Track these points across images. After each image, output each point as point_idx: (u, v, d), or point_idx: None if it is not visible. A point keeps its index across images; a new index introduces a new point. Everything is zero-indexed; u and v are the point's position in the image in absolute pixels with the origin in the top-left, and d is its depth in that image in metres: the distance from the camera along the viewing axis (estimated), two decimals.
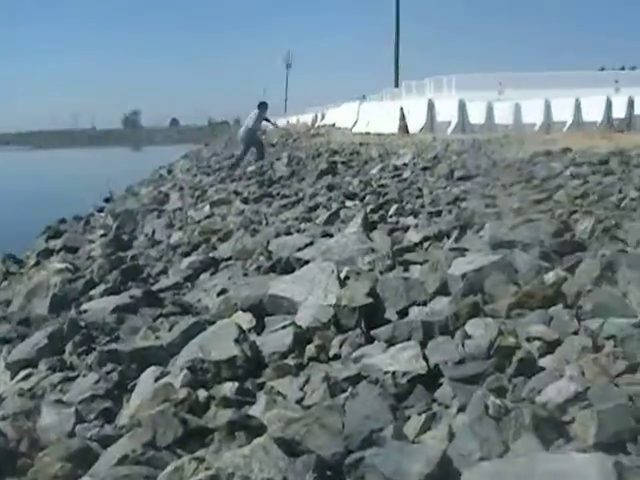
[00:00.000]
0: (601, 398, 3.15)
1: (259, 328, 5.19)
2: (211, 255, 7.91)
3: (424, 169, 13.37)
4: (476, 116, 29.71)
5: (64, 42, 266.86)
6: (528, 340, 3.98)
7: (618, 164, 10.17)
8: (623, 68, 54.63)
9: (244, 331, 4.82)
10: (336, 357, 4.52)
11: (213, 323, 5.12)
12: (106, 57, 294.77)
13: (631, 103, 28.11)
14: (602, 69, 55.41)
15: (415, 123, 30.04)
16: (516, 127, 26.54)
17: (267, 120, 23.24)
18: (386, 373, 3.88)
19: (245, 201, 12.22)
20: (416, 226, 7.80)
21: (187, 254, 8.35)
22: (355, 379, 3.98)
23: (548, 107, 28.37)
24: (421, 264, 5.98)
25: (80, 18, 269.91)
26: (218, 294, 6.21)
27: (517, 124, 27.75)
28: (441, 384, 3.79)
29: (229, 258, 7.68)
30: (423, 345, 4.19)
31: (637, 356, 3.53)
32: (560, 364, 3.66)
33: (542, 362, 3.76)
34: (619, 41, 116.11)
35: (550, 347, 3.88)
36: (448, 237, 6.96)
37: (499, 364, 3.78)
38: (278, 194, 12.60)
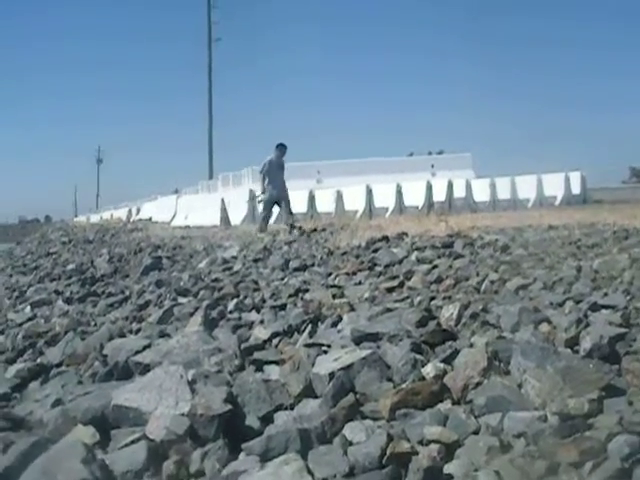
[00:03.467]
0: None
1: (104, 444, 4.67)
2: (39, 361, 7.29)
3: (255, 261, 13.09)
4: (298, 205, 29.83)
5: None
6: (422, 444, 3.67)
7: (463, 247, 10.17)
8: (430, 153, 56.55)
9: (91, 449, 4.32)
10: (199, 473, 4.10)
11: (55, 441, 4.57)
12: None
13: (450, 186, 28.94)
14: (411, 154, 57.31)
15: (236, 214, 29.88)
16: (339, 214, 26.69)
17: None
18: None
19: (68, 301, 11.66)
20: (261, 322, 7.46)
21: (12, 361, 7.69)
22: None
23: (370, 193, 28.75)
24: (277, 363, 5.65)
25: None
26: (53, 405, 5.62)
27: (339, 211, 27.97)
28: None
29: (60, 364, 7.08)
30: (303, 457, 3.83)
31: (556, 454, 3.26)
32: (469, 469, 3.35)
33: (448, 469, 3.44)
34: (425, 126, 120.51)
35: (450, 450, 3.57)
36: (299, 332, 6.64)
37: (395, 474, 3.45)
38: (103, 292, 12.07)
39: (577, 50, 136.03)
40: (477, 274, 7.98)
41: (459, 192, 30.72)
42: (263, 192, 20.83)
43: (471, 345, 5.13)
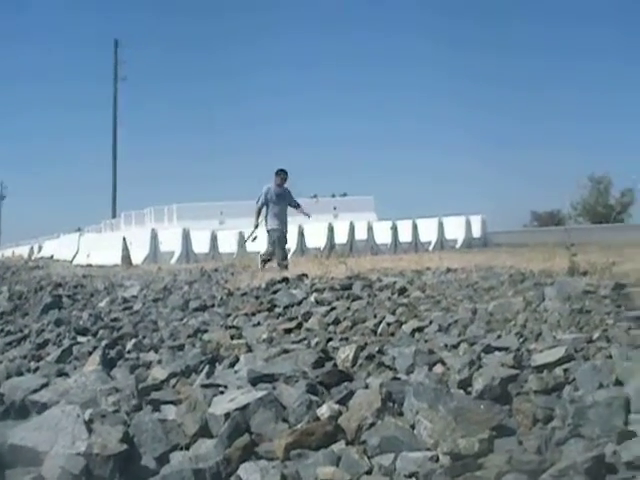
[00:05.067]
0: None
1: None
2: None
3: (155, 300, 13.00)
4: (200, 245, 29.76)
5: None
6: None
7: (361, 288, 10.24)
8: (334, 195, 56.86)
9: None
10: None
11: None
12: None
13: (352, 228, 29.17)
14: (315, 196, 57.49)
15: (138, 253, 29.64)
16: (241, 255, 26.63)
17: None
18: None
19: None
20: (159, 362, 7.42)
21: None
22: None
23: None
24: (174, 403, 5.61)
25: None
26: None
27: (242, 252, 27.90)
28: None
29: None
30: None
31: None
32: None
33: None
34: (329, 169, 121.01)
35: None
36: (197, 372, 6.62)
37: None
38: (2, 331, 11.79)
39: (486, 85, 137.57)
40: (374, 316, 8.03)
41: (361, 234, 30.98)
42: (256, 227, 18.46)
43: (366, 386, 5.18)
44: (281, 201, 18.18)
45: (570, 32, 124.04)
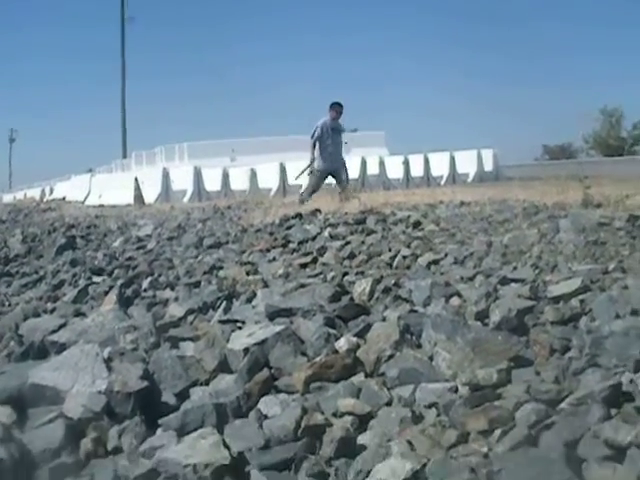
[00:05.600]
0: (442, 474, 2.92)
1: (22, 423, 4.64)
2: None
3: (170, 239, 13.02)
4: (212, 183, 29.66)
5: None
6: (336, 416, 3.72)
7: (375, 223, 10.23)
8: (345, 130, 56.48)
9: (8, 429, 4.30)
10: (117, 450, 4.12)
11: None
12: None
13: (364, 163, 29.08)
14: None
15: (150, 193, 29.54)
16: (253, 192, 26.58)
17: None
18: (186, 467, 3.51)
19: None
20: (176, 299, 7.45)
21: None
22: (150, 476, 3.57)
23: (283, 171, 28.66)
24: (192, 340, 5.65)
25: None
26: None
27: (254, 189, 27.87)
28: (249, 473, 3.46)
29: None
30: (219, 431, 3.86)
31: (466, 423, 3.34)
32: (382, 440, 3.41)
33: (361, 439, 3.50)
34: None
35: (363, 421, 3.64)
36: (214, 309, 6.66)
37: (310, 445, 3.53)
38: (17, 273, 11.84)
39: (491, 25, 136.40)
40: (389, 250, 8.04)
41: (373, 169, 30.78)
42: (312, 161, 17.03)
43: (383, 319, 5.21)
44: (337, 136, 17.23)
45: None
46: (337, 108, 17.18)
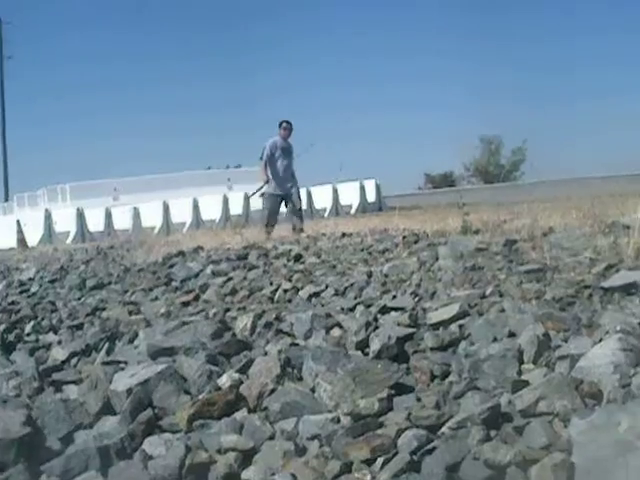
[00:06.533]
0: None
1: None
2: None
3: (52, 281, 12.80)
4: (95, 223, 29.43)
5: None
6: (220, 452, 3.72)
7: (257, 258, 10.27)
8: (228, 167, 56.79)
9: None
10: None
11: None
12: None
13: (247, 198, 29.19)
14: (209, 168, 57.46)
15: (33, 235, 29.15)
16: (136, 231, 26.41)
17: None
18: None
19: None
20: (59, 342, 7.34)
21: None
22: None
23: (167, 209, 28.59)
24: (75, 383, 5.56)
25: None
26: None
27: (137, 228, 27.71)
28: None
29: None
30: (103, 474, 3.82)
31: (349, 453, 3.37)
32: (266, 474, 3.43)
33: (245, 475, 3.51)
34: (224, 142, 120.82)
35: (247, 456, 3.64)
36: (97, 350, 6.58)
37: None
38: None
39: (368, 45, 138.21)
40: (271, 284, 8.08)
41: (256, 205, 30.94)
42: (266, 182, 16.35)
43: (265, 353, 5.22)
44: (287, 156, 16.57)
45: None
46: (287, 126, 16.55)
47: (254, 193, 17.70)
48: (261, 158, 16.37)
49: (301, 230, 15.40)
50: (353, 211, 33.85)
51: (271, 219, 16.46)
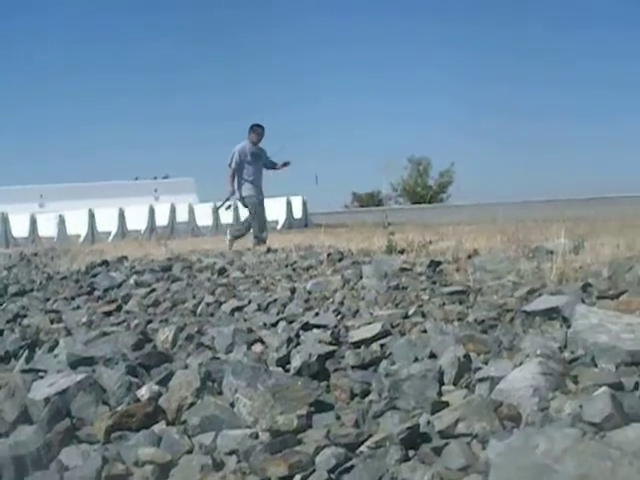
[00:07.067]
0: None
1: None
2: None
3: None
4: (19, 229, 29.03)
5: None
6: (137, 465, 3.69)
7: (181, 270, 10.25)
8: (155, 177, 56.54)
9: None
10: None
11: None
12: None
13: (173, 210, 29.04)
14: (136, 179, 57.17)
15: None
16: (61, 239, 26.14)
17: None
18: None
19: None
20: None
21: None
22: None
23: (92, 217, 28.33)
24: None
25: None
26: None
27: (62, 236, 27.40)
28: None
29: None
30: None
31: (266, 469, 3.37)
32: None
33: None
34: (151, 153, 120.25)
35: (164, 470, 3.61)
36: (16, 358, 6.49)
37: None
38: None
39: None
40: (194, 297, 8.10)
41: (182, 216, 30.84)
42: (232, 193, 15.80)
43: (186, 366, 5.19)
44: (257, 162, 15.76)
45: None
46: (258, 130, 15.80)
47: (221, 205, 17.09)
48: (230, 165, 15.72)
49: (264, 241, 15.14)
50: (279, 227, 33.82)
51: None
